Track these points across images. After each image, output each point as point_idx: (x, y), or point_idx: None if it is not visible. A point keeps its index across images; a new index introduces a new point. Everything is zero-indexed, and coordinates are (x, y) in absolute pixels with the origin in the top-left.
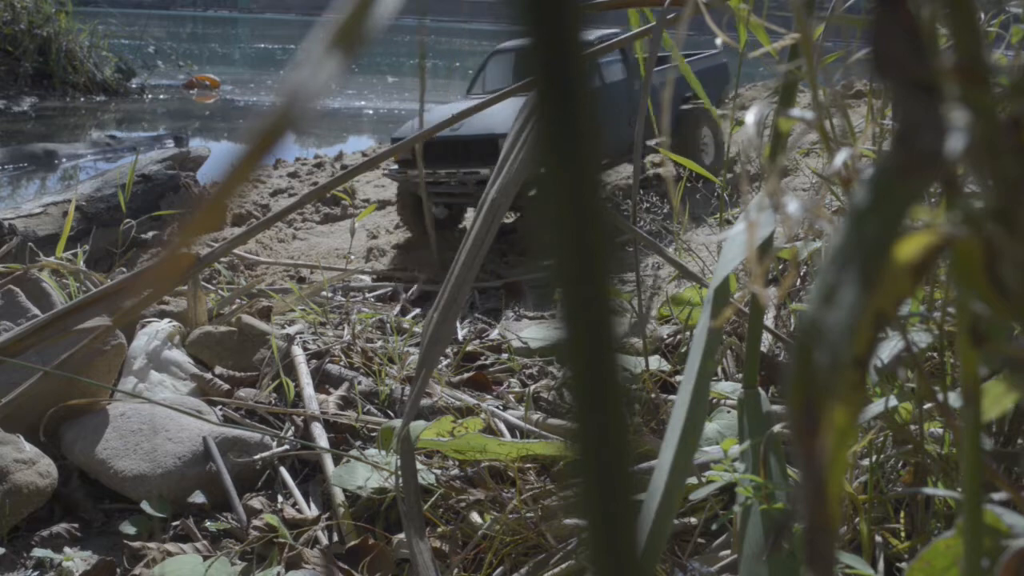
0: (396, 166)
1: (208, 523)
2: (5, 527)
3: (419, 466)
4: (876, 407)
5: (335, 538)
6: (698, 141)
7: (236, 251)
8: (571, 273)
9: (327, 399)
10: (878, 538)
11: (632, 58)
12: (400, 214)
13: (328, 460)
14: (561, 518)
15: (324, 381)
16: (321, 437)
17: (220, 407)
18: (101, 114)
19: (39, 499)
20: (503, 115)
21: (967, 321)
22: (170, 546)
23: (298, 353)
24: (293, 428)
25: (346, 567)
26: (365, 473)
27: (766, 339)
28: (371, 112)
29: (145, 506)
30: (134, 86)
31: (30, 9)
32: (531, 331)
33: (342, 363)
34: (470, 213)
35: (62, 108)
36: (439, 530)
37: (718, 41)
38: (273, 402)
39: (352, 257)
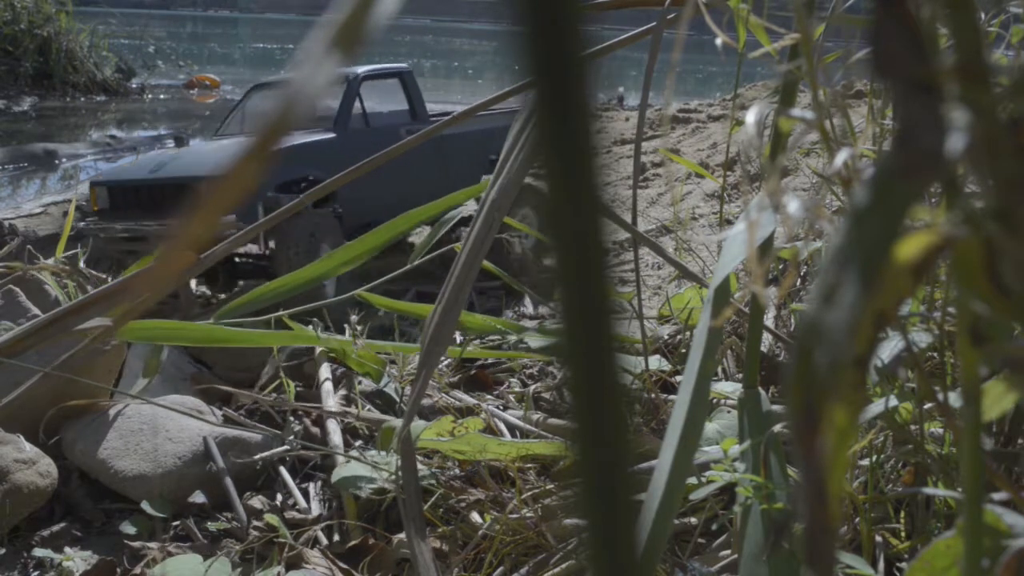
0: (93, 217)
1: (208, 523)
2: (5, 527)
3: (419, 466)
4: (876, 407)
5: (335, 538)
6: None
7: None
8: (571, 273)
9: (334, 396)
10: (878, 538)
11: (413, 87)
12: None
13: (339, 458)
14: (561, 518)
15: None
16: (335, 433)
17: (220, 407)
18: (101, 114)
19: (39, 499)
20: (212, 157)
21: (967, 321)
22: (170, 546)
23: (318, 349)
24: (299, 427)
25: (346, 567)
26: (365, 473)
27: (766, 339)
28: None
29: (145, 506)
30: (134, 86)
31: (30, 9)
32: (531, 331)
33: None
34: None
35: (62, 108)
36: (439, 530)
37: (718, 41)
38: (274, 403)
39: None
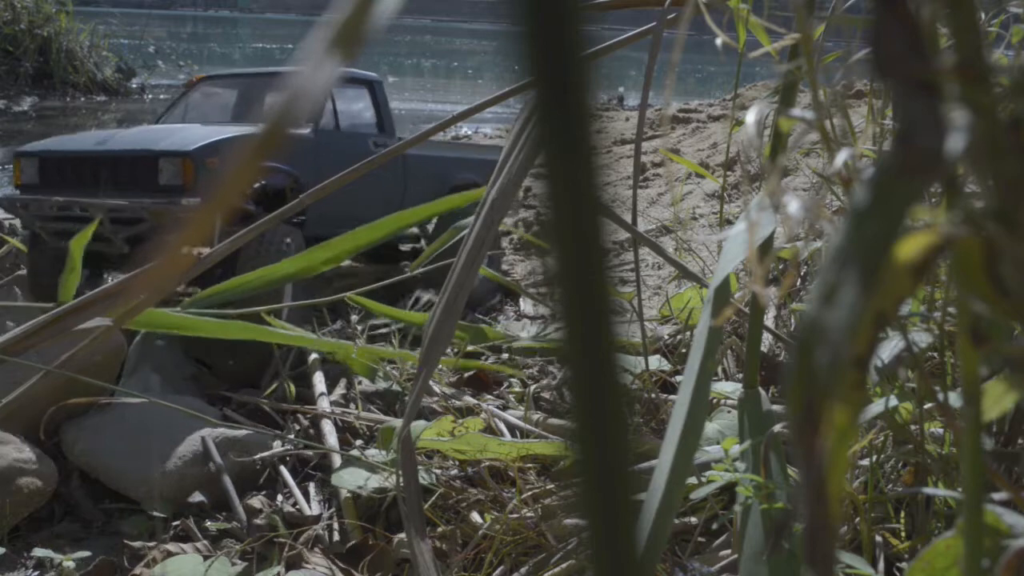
0: (16, 190)
1: (208, 523)
2: (5, 527)
3: (419, 466)
4: (876, 407)
5: (335, 537)
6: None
7: None
8: (571, 273)
9: (328, 397)
10: (878, 538)
11: (382, 98)
12: (30, 267)
13: (336, 458)
14: (561, 518)
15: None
16: (331, 435)
17: (220, 407)
18: (101, 114)
19: (39, 499)
20: (171, 130)
21: (967, 321)
22: (170, 546)
23: (313, 355)
24: (298, 427)
25: (346, 567)
26: (365, 473)
27: (766, 339)
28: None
29: (145, 506)
30: (134, 86)
31: (30, 9)
32: (531, 331)
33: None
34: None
35: (62, 108)
36: (439, 530)
37: (718, 41)
38: (273, 404)
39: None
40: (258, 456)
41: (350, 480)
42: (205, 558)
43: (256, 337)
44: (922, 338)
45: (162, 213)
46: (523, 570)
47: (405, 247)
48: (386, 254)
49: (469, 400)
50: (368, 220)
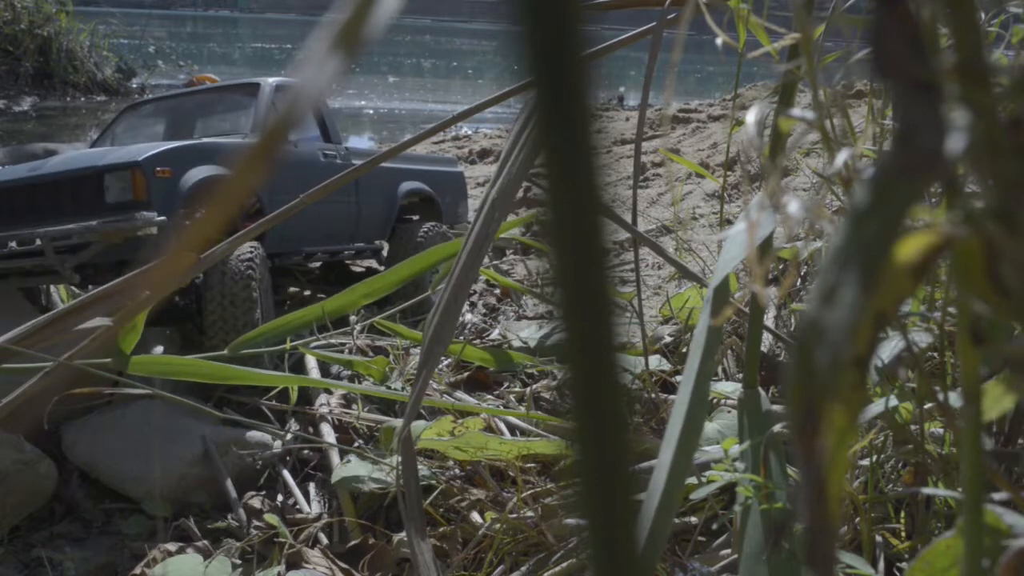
0: None
1: (208, 523)
2: (5, 527)
3: (420, 466)
4: (876, 407)
5: (335, 537)
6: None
7: None
8: (571, 273)
9: (329, 398)
10: (878, 538)
11: (329, 117)
12: None
13: (335, 457)
14: (561, 518)
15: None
16: (330, 435)
17: (221, 407)
18: (101, 114)
19: (39, 499)
20: (110, 148)
21: (967, 321)
22: (170, 546)
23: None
24: (298, 427)
25: (346, 567)
26: (365, 472)
27: (766, 339)
28: (371, 112)
29: (145, 506)
30: (134, 86)
31: (31, 9)
32: (531, 331)
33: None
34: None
35: (62, 108)
36: (439, 530)
37: (718, 41)
38: (275, 402)
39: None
40: (258, 456)
41: (350, 479)
42: (205, 558)
43: (247, 382)
44: (922, 338)
45: (112, 234)
46: (523, 570)
47: (360, 268)
48: (337, 276)
49: (469, 400)
50: (324, 234)
